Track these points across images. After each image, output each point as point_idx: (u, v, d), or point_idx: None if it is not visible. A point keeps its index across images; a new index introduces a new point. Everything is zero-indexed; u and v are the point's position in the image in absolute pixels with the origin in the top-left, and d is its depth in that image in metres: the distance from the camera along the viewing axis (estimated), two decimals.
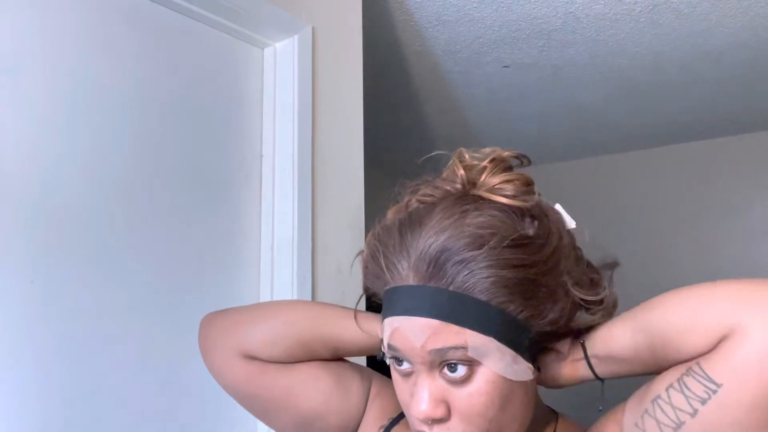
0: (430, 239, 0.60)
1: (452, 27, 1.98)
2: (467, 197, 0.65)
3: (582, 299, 0.64)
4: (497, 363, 0.60)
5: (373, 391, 0.80)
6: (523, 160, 0.69)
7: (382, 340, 0.64)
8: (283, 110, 1.40)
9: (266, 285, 1.35)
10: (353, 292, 1.45)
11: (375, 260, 0.65)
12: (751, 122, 2.99)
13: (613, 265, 0.68)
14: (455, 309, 0.59)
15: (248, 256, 1.35)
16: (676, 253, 3.19)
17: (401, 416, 0.76)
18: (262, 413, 0.81)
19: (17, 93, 1.00)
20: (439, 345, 0.59)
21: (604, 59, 2.24)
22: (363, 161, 1.58)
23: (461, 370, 0.59)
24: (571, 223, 0.68)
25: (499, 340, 0.59)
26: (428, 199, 0.67)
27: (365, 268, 0.68)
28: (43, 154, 1.02)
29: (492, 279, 0.59)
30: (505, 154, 0.68)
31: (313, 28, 1.47)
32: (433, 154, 0.76)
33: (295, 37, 1.42)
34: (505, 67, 2.29)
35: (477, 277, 0.59)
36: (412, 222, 0.64)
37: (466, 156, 0.68)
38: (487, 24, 1.97)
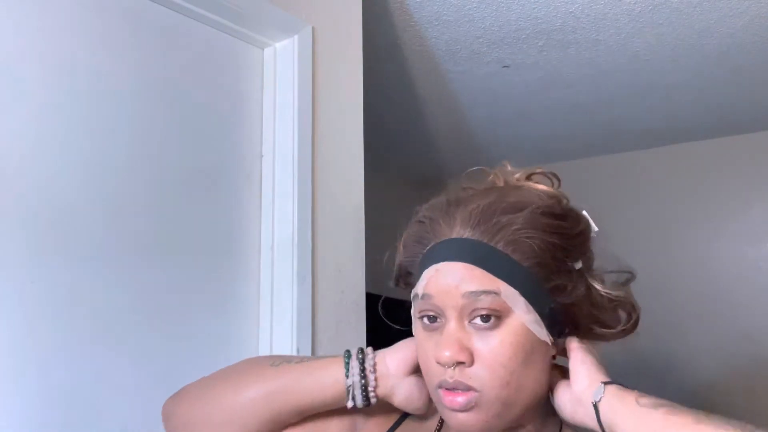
0: (476, 202, 0.68)
1: (452, 27, 1.98)
2: (507, 186, 0.75)
3: (604, 293, 0.70)
4: (525, 314, 0.64)
5: (360, 420, 0.77)
6: (552, 179, 0.77)
7: (414, 296, 0.69)
8: (283, 110, 1.40)
9: (266, 285, 1.35)
10: (353, 292, 1.45)
11: (420, 223, 0.71)
12: (751, 122, 2.99)
13: (629, 278, 0.74)
14: (492, 260, 0.65)
15: (248, 256, 1.35)
16: (675, 253, 3.19)
17: (397, 424, 0.77)
18: None
19: (17, 93, 1.00)
20: (473, 287, 0.64)
21: (604, 59, 2.24)
22: (363, 161, 1.58)
23: (489, 321, 0.64)
24: (594, 227, 0.75)
25: (527, 297, 0.64)
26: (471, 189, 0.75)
27: (404, 241, 0.73)
28: (43, 154, 1.02)
29: (527, 240, 0.65)
30: (538, 170, 0.78)
31: (313, 28, 1.47)
32: (475, 168, 0.83)
33: (295, 37, 1.42)
34: (505, 67, 2.29)
35: (514, 237, 0.65)
36: (458, 198, 0.71)
37: (508, 166, 0.79)
38: (487, 24, 1.97)
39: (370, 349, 0.74)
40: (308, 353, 1.30)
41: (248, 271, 1.34)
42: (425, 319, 0.68)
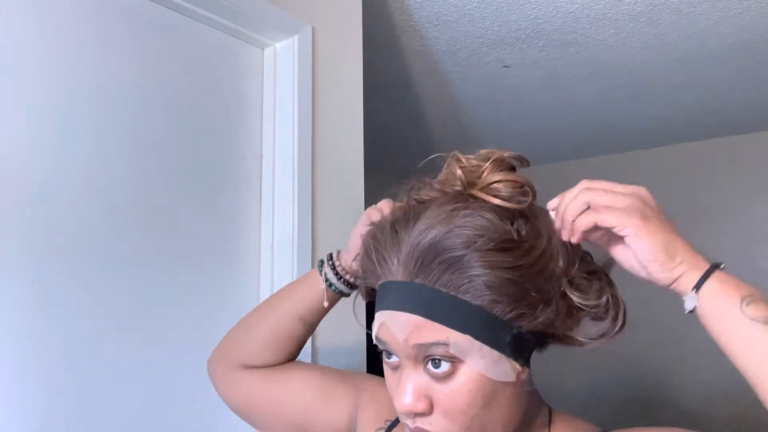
0: (420, 236, 0.62)
1: (452, 27, 1.98)
2: (461, 196, 0.66)
3: (580, 303, 0.63)
4: (479, 361, 0.60)
5: (366, 396, 0.83)
6: (523, 161, 0.71)
7: (372, 330, 0.67)
8: (283, 110, 1.40)
9: (266, 285, 1.35)
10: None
11: (368, 256, 0.68)
12: (751, 122, 2.99)
13: (608, 264, 0.68)
14: (438, 306, 0.60)
15: (248, 256, 1.35)
16: None
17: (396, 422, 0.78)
18: (261, 425, 0.90)
19: (17, 93, 1.00)
20: (421, 340, 0.60)
21: (604, 59, 2.24)
22: (363, 161, 1.58)
23: (444, 366, 0.61)
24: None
25: (481, 340, 0.60)
26: (425, 198, 0.69)
27: (361, 264, 0.71)
28: (44, 154, 1.02)
29: (476, 280, 0.60)
30: (506, 154, 0.69)
31: (313, 28, 1.47)
32: (432, 156, 0.78)
33: (295, 37, 1.42)
34: (505, 67, 2.29)
35: (461, 277, 0.60)
36: (406, 219, 0.65)
37: (462, 159, 0.69)
38: (487, 24, 1.97)
39: (336, 252, 0.86)
40: (308, 353, 1.30)
41: (248, 271, 1.34)
42: (385, 354, 0.66)
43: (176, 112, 1.24)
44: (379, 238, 0.66)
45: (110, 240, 1.09)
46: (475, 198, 0.65)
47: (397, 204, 0.73)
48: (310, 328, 0.88)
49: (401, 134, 3.03)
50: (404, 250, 0.62)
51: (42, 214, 1.01)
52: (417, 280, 0.61)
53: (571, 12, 1.90)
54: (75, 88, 1.08)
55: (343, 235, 1.44)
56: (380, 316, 0.65)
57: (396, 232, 0.65)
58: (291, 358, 0.89)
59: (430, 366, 0.61)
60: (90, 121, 1.09)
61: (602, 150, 3.42)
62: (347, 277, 0.84)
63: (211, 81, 1.32)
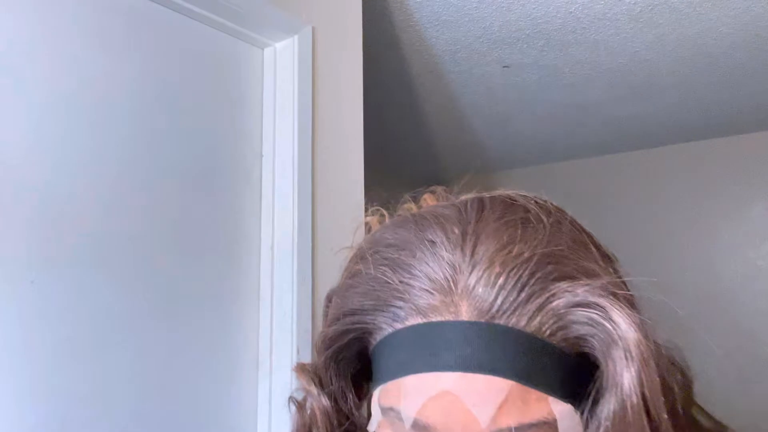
0: (497, 251, 0.39)
1: (452, 27, 1.98)
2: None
3: None
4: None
5: None
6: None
7: (387, 410, 0.41)
8: (283, 110, 1.40)
9: (266, 285, 1.35)
10: None
11: (380, 280, 0.42)
12: (751, 122, 2.99)
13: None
14: (540, 364, 0.38)
15: (248, 256, 1.35)
16: (675, 253, 3.19)
17: None
18: None
19: (17, 93, 1.00)
20: (516, 420, 0.37)
21: (604, 59, 2.24)
22: (363, 161, 1.58)
23: None
24: None
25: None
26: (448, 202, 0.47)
27: (353, 297, 0.44)
28: (43, 154, 1.02)
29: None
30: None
31: (313, 28, 1.47)
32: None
33: (295, 37, 1.42)
34: (505, 67, 2.29)
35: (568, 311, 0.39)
36: (446, 224, 0.42)
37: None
38: (487, 24, 1.97)
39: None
40: (308, 353, 1.30)
41: (248, 271, 1.34)
42: None
43: (176, 112, 1.24)
44: (405, 248, 0.42)
45: (110, 240, 1.09)
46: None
47: (397, 215, 0.51)
48: None
49: (401, 134, 3.03)
50: (467, 275, 0.39)
51: (41, 214, 1.00)
52: (499, 322, 0.38)
53: (571, 12, 1.90)
54: (75, 88, 1.08)
55: (343, 235, 1.45)
56: (430, 383, 0.38)
57: (435, 241, 0.41)
58: None
59: None
60: (90, 121, 1.09)
61: (602, 150, 3.42)
62: None
63: (211, 81, 1.32)
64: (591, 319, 0.37)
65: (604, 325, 0.37)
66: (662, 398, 0.37)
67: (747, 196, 3.10)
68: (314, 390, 0.47)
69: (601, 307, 0.37)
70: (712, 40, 2.11)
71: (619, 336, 0.37)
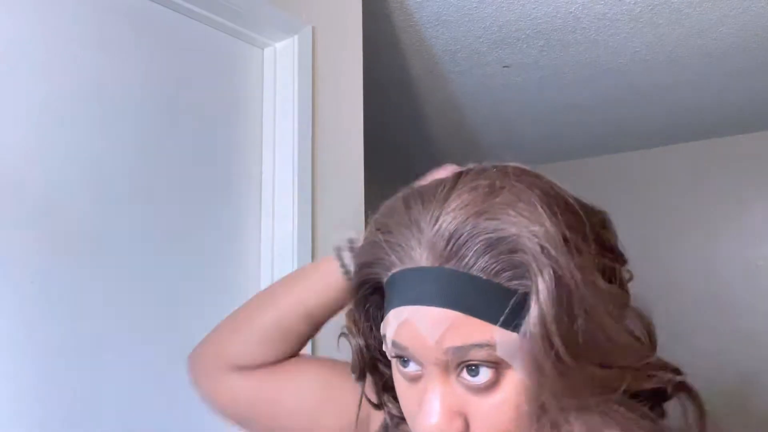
0: (453, 212, 0.49)
1: (452, 27, 1.98)
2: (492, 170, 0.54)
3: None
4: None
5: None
6: None
7: (384, 339, 0.53)
8: (283, 110, 1.40)
9: (266, 285, 1.35)
10: None
11: (374, 240, 0.53)
12: (751, 122, 2.99)
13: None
14: (480, 298, 0.47)
15: (248, 255, 1.35)
16: (675, 253, 3.19)
17: None
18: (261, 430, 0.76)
19: (17, 93, 1.00)
20: (458, 342, 0.47)
21: (604, 59, 2.24)
22: (363, 161, 1.58)
23: (485, 374, 0.48)
24: None
25: None
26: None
27: (362, 254, 0.56)
28: (43, 154, 1.02)
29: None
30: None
31: (313, 28, 1.47)
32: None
33: (295, 37, 1.42)
34: (505, 67, 2.29)
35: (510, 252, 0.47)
36: (423, 194, 0.52)
37: None
38: (487, 24, 1.97)
39: (350, 237, 0.70)
40: (308, 353, 1.30)
41: (248, 271, 1.34)
42: (399, 362, 0.53)
43: (176, 112, 1.24)
44: (391, 216, 0.53)
45: (110, 239, 1.09)
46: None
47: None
48: (315, 327, 0.73)
49: (401, 134, 3.03)
50: (431, 228, 0.49)
51: (42, 214, 1.00)
52: (449, 266, 0.48)
53: (571, 12, 1.90)
54: (75, 88, 1.08)
55: (343, 235, 1.44)
56: (398, 314, 0.50)
57: (411, 207, 0.52)
58: (291, 355, 0.75)
59: (465, 375, 0.48)
60: (90, 121, 1.09)
61: (602, 150, 3.42)
62: None
63: (211, 81, 1.32)
64: (521, 262, 0.47)
65: (528, 264, 0.46)
66: (566, 330, 0.45)
67: (747, 196, 3.10)
68: (353, 330, 0.61)
69: (524, 250, 0.46)
70: (712, 40, 2.11)
71: (533, 273, 0.46)
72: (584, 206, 0.55)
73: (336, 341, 0.65)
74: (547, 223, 0.47)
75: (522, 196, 0.50)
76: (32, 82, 1.02)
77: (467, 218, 0.48)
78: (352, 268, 0.65)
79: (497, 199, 0.49)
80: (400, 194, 0.56)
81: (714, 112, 2.84)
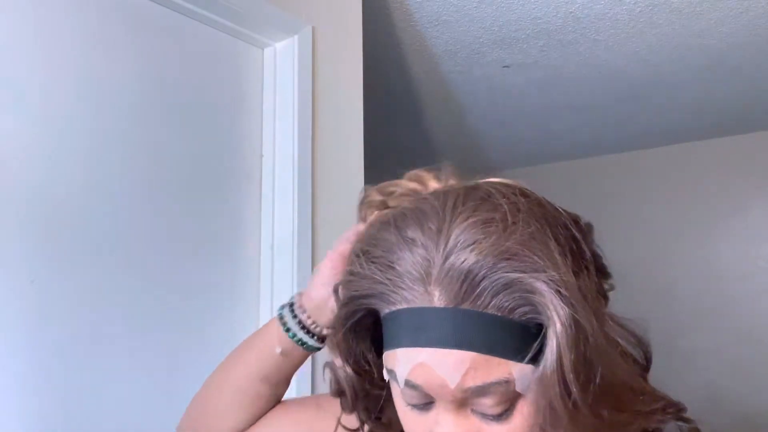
0: (467, 250, 0.48)
1: (452, 27, 1.98)
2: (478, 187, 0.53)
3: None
4: None
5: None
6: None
7: (390, 371, 0.52)
8: (283, 110, 1.40)
9: (266, 285, 1.35)
10: None
11: (373, 278, 0.51)
12: (751, 122, 2.99)
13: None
14: (497, 336, 0.47)
15: (248, 256, 1.35)
16: (675, 253, 3.19)
17: None
18: None
19: (16, 93, 1.00)
20: (479, 381, 0.47)
21: (604, 59, 2.24)
22: (363, 161, 1.58)
23: (499, 408, 0.49)
24: None
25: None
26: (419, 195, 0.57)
27: (354, 287, 0.54)
28: (43, 154, 1.02)
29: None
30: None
31: (313, 28, 1.47)
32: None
33: (295, 37, 1.42)
34: (505, 67, 2.29)
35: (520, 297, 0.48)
36: (422, 223, 0.50)
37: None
38: (487, 24, 1.97)
39: (297, 295, 0.71)
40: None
41: (248, 271, 1.34)
42: (409, 390, 0.51)
43: (176, 112, 1.24)
44: (388, 249, 0.51)
45: (109, 240, 1.09)
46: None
47: (379, 214, 0.59)
48: (278, 386, 0.72)
49: (401, 134, 3.03)
50: (441, 265, 0.48)
51: (41, 214, 1.00)
52: (464, 306, 0.47)
53: (571, 12, 1.90)
54: (74, 88, 1.08)
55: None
56: (411, 356, 0.49)
57: (411, 239, 0.50)
58: (269, 409, 0.74)
59: (481, 410, 0.50)
60: (89, 121, 1.09)
61: (602, 150, 3.41)
62: (313, 327, 0.68)
63: (211, 81, 1.32)
64: (537, 302, 0.46)
65: (545, 306, 0.46)
66: (583, 377, 0.46)
67: (747, 196, 3.10)
68: (338, 360, 0.58)
69: (541, 293, 0.46)
70: (712, 40, 2.10)
71: (550, 317, 0.46)
72: (578, 224, 0.55)
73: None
74: (562, 268, 0.47)
75: (536, 235, 0.49)
76: (32, 82, 1.02)
77: (483, 257, 0.47)
78: (296, 330, 0.67)
79: (512, 238, 0.48)
80: (385, 220, 0.53)
81: (714, 112, 2.84)
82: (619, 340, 0.52)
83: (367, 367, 0.59)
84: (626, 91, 2.56)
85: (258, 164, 1.40)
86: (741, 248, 3.07)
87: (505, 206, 0.50)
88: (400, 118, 2.83)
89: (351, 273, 0.54)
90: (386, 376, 0.54)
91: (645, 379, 0.55)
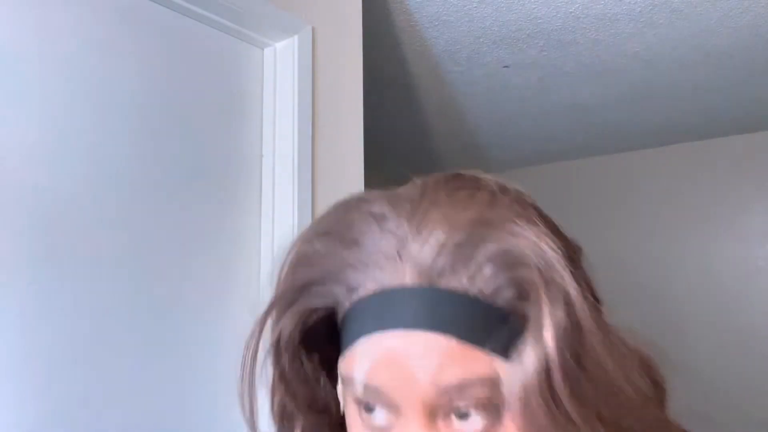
0: (443, 220, 0.40)
1: (452, 27, 1.98)
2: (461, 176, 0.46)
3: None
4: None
5: None
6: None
7: (346, 381, 0.42)
8: (283, 110, 1.40)
9: (266, 284, 1.35)
10: None
11: (326, 255, 0.42)
12: (751, 122, 2.99)
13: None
14: (479, 323, 0.38)
15: (248, 256, 1.35)
16: (675, 253, 3.19)
17: None
18: None
19: (17, 93, 1.00)
20: (458, 375, 0.38)
21: (604, 59, 2.24)
22: (363, 161, 1.58)
23: (478, 420, 0.38)
24: None
25: None
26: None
27: (302, 272, 0.44)
28: (43, 154, 1.02)
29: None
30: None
31: (313, 28, 1.47)
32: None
33: (295, 37, 1.42)
34: (505, 67, 2.29)
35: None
36: (392, 200, 0.43)
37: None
38: (487, 24, 1.97)
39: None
40: None
41: (248, 271, 1.34)
42: (362, 409, 0.42)
43: (176, 112, 1.24)
44: (347, 224, 0.42)
45: (110, 242, 1.09)
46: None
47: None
48: None
49: (401, 134, 3.03)
50: (413, 238, 0.40)
51: (39, 216, 1.00)
52: (440, 285, 0.39)
53: (571, 12, 1.90)
54: (74, 89, 1.08)
55: None
56: (373, 345, 0.40)
57: (379, 214, 0.42)
58: None
59: (455, 423, 0.39)
60: (89, 121, 1.09)
61: (602, 150, 3.42)
62: None
63: (211, 81, 1.32)
64: (525, 279, 0.38)
65: (534, 286, 0.37)
66: (572, 379, 0.36)
67: (747, 196, 3.10)
68: (283, 383, 0.47)
69: (529, 267, 0.37)
70: (712, 40, 2.11)
71: (539, 299, 0.37)
72: (571, 241, 0.48)
73: None
74: (552, 243, 0.39)
75: (522, 212, 0.41)
76: (32, 82, 1.02)
77: (462, 228, 0.39)
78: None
79: (496, 211, 0.40)
80: (341, 203, 0.45)
81: (714, 112, 2.84)
82: (627, 361, 0.41)
83: (320, 391, 0.47)
84: (626, 92, 2.56)
85: (258, 164, 1.40)
86: (741, 248, 3.07)
87: (493, 185, 0.44)
88: (400, 118, 2.84)
89: (301, 256, 0.44)
90: (340, 397, 0.44)
91: (662, 408, 0.45)
